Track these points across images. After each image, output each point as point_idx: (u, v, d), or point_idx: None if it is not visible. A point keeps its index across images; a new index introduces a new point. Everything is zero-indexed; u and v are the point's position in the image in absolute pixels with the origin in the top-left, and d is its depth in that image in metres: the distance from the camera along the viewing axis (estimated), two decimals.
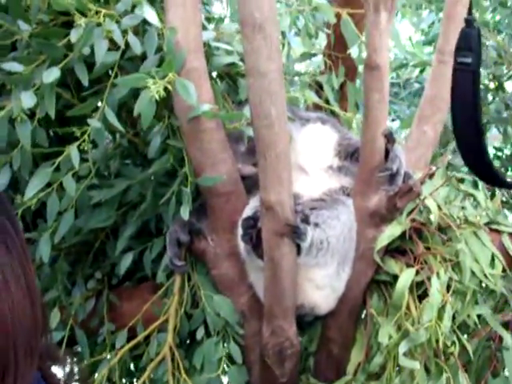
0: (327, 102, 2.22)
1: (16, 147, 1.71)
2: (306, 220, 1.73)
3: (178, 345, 1.93)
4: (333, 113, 2.21)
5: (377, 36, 1.76)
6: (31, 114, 1.74)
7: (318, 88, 2.25)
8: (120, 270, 1.95)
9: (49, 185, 1.74)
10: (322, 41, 2.23)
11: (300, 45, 2.21)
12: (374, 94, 1.80)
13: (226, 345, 1.92)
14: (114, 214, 1.93)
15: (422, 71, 2.82)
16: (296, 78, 2.33)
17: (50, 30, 1.67)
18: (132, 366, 1.99)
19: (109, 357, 1.88)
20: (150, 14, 1.66)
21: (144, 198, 1.94)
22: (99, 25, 1.58)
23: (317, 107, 2.24)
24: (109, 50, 1.71)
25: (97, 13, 1.58)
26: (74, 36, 1.57)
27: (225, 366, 1.92)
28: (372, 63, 1.78)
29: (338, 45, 2.21)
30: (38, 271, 1.89)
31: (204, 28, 2.00)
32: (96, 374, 1.87)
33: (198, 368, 1.90)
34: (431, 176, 2.08)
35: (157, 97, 1.54)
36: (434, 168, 1.94)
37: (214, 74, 2.12)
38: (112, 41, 1.70)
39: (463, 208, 2.02)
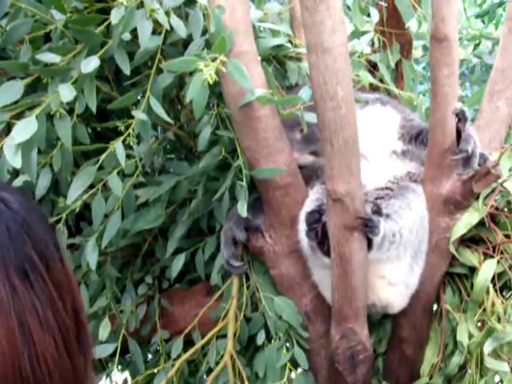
0: (381, 82, 1.98)
1: (55, 146, 1.50)
2: (378, 211, 1.50)
3: (239, 352, 1.71)
4: (389, 93, 1.97)
5: (443, 4, 1.53)
6: (70, 110, 1.54)
7: (371, 68, 2.01)
8: (172, 273, 1.73)
9: (92, 185, 1.54)
10: (372, 18, 1.98)
11: (350, 22, 1.96)
12: (442, 69, 1.56)
13: (289, 350, 1.70)
14: (163, 213, 1.71)
15: (477, 46, 2.55)
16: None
17: (86, 17, 1.45)
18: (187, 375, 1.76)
19: (164, 367, 1.66)
20: None
21: (194, 194, 1.72)
22: (141, 4, 1.35)
23: (372, 89, 2.01)
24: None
25: None
26: (115, 17, 1.34)
27: (290, 372, 1.70)
28: (440, 34, 1.54)
29: (390, 20, 1.97)
30: (85, 278, 1.68)
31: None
32: None
33: (261, 376, 1.68)
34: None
35: (210, 80, 1.31)
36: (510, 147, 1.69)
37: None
38: (154, 24, 1.49)
39: None
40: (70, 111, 1.52)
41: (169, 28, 1.43)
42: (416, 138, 1.75)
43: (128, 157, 1.60)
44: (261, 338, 1.71)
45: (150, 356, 1.85)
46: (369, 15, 1.96)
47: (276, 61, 1.88)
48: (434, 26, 1.56)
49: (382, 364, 1.80)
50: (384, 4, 1.92)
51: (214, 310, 1.74)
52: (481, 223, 1.66)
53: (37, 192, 1.48)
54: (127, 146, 1.47)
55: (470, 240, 1.70)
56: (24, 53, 1.48)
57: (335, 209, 1.48)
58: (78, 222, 1.70)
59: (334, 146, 1.43)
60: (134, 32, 1.49)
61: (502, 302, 1.57)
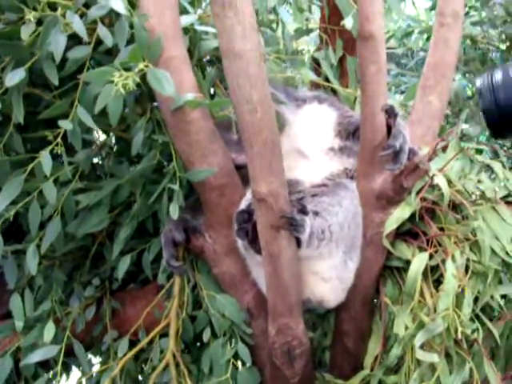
0: (327, 79, 2.01)
1: None
2: (303, 210, 1.54)
3: (184, 349, 1.76)
4: (334, 91, 2.00)
5: (367, 2, 1.56)
6: (6, 119, 1.59)
7: (317, 66, 2.04)
8: (118, 274, 1.78)
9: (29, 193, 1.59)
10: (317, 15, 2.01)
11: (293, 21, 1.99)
12: (370, 66, 1.59)
13: (233, 346, 1.74)
14: (107, 216, 1.76)
15: (428, 38, 2.56)
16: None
17: (11, 29, 1.49)
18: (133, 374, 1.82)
19: (110, 366, 1.72)
20: (115, 1, 1.47)
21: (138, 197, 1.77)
22: (55, 18, 1.39)
23: (317, 86, 2.04)
24: (80, 44, 1.55)
25: (51, 5, 1.40)
26: (24, 33, 1.39)
27: (236, 368, 1.74)
28: (365, 32, 1.57)
29: (333, 17, 1.99)
30: (31, 283, 1.74)
31: (186, 12, 1.82)
32: None
33: (207, 372, 1.73)
34: (444, 149, 1.87)
35: (122, 90, 1.35)
36: (442, 141, 1.71)
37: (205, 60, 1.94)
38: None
39: (479, 181, 1.79)
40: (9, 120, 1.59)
41: (83, 37, 1.46)
42: (354, 134, 1.78)
43: (68, 163, 1.65)
44: (206, 336, 1.76)
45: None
46: (310, 12, 1.98)
47: (219, 62, 1.92)
48: (359, 25, 1.58)
49: (329, 357, 1.84)
50: (322, 3, 1.94)
51: (162, 309, 1.79)
52: (419, 217, 1.69)
53: None
54: (57, 155, 1.52)
55: (409, 234, 1.74)
56: None
57: (260, 208, 1.51)
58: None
59: (253, 148, 1.46)
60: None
61: (432, 295, 1.59)
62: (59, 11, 1.41)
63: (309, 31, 2.03)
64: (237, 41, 1.38)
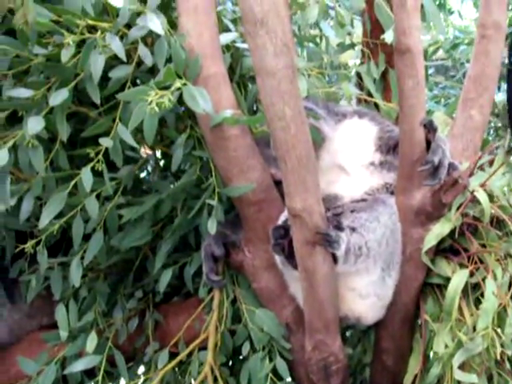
0: (370, 94, 2.00)
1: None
2: (338, 226, 1.53)
3: (223, 363, 1.78)
4: (377, 105, 1.99)
5: (404, 16, 1.55)
6: (53, 138, 1.66)
7: (360, 80, 2.04)
8: (160, 287, 1.82)
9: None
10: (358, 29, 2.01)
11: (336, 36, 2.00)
12: (407, 81, 1.58)
13: (272, 360, 1.75)
14: (149, 231, 1.80)
15: None
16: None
17: (58, 51, 1.55)
18: None
19: (149, 377, 1.76)
20: (153, 22, 1.51)
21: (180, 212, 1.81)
22: (94, 41, 1.44)
23: (362, 101, 2.03)
24: (122, 63, 1.60)
25: (91, 28, 1.45)
26: (64, 56, 1.45)
27: (274, 383, 1.74)
28: (402, 47, 1.56)
29: (375, 31, 1.99)
30: (75, 295, 1.80)
31: (228, 30, 1.85)
32: None
33: None
34: (491, 164, 1.83)
35: (156, 109, 1.39)
36: (483, 155, 1.68)
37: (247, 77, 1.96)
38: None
39: None
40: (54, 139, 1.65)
41: (121, 58, 1.50)
42: (394, 148, 1.76)
43: (111, 179, 1.71)
44: (245, 350, 1.77)
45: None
46: (352, 26, 1.98)
47: None
48: (395, 39, 1.57)
49: (369, 375, 1.83)
50: (364, 18, 1.94)
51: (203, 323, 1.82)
52: (460, 233, 1.66)
53: (21, 216, 1.61)
54: (97, 172, 1.57)
55: (450, 251, 1.71)
56: (6, 87, 1.61)
57: (295, 224, 1.52)
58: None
59: (287, 165, 1.47)
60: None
61: (472, 314, 1.56)
62: (98, 33, 1.46)
63: (351, 46, 2.03)
64: (268, 59, 1.39)
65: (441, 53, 2.52)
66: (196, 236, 1.88)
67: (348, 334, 1.94)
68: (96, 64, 1.45)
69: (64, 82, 1.56)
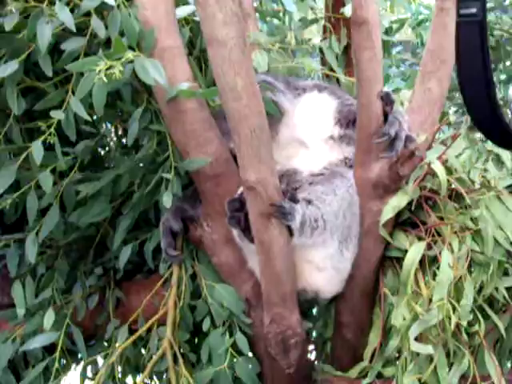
0: (331, 69, 1.98)
1: None
2: (293, 198, 1.51)
3: (185, 339, 1.76)
4: (338, 80, 1.97)
5: None
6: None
7: (323, 55, 2.01)
8: (120, 264, 1.79)
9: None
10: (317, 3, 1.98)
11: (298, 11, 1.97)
12: (364, 53, 1.56)
13: (232, 335, 1.73)
14: (108, 207, 1.78)
15: None
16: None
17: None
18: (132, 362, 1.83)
19: (108, 353, 1.74)
20: None
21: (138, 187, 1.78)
22: (40, 10, 1.41)
23: (327, 76, 2.01)
24: (76, 35, 1.57)
25: None
26: (8, 24, 1.41)
27: (234, 357, 1.73)
28: (358, 18, 1.54)
29: (337, 5, 1.96)
30: (33, 272, 1.77)
31: (186, 3, 1.82)
32: None
33: (205, 361, 1.73)
34: (454, 138, 1.81)
35: (105, 79, 1.36)
36: (439, 128, 1.66)
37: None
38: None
39: (485, 170, 1.74)
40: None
41: (71, 29, 1.47)
42: (354, 122, 1.74)
43: (66, 154, 1.68)
44: (206, 325, 1.75)
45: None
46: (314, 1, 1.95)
47: None
48: (352, 11, 1.55)
49: (329, 349, 1.82)
50: None
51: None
52: (418, 206, 1.65)
53: None
54: (49, 145, 1.54)
55: (409, 224, 1.69)
56: None
57: (250, 197, 1.50)
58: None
59: (240, 136, 1.45)
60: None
61: (428, 287, 1.55)
62: (46, 2, 1.43)
63: (314, 21, 2.00)
64: (218, 28, 1.37)
65: (409, 31, 2.51)
66: (156, 212, 1.86)
67: (310, 309, 1.92)
68: (43, 35, 1.41)
69: (14, 54, 1.53)
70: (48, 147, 1.57)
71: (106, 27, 1.57)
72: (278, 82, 1.76)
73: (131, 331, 1.78)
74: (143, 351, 1.85)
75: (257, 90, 1.43)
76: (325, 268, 1.62)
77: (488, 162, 1.78)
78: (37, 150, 1.49)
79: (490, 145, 1.85)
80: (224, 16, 1.36)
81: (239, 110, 1.42)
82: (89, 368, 1.87)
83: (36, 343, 1.69)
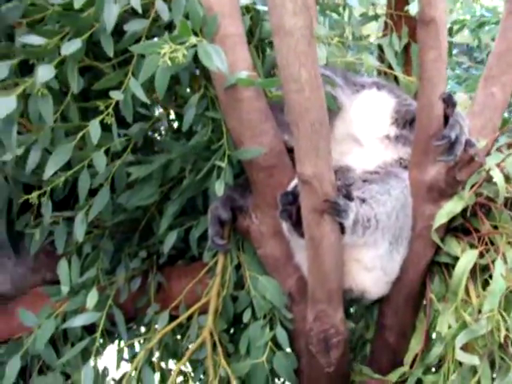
0: (391, 67, 1.93)
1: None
2: (348, 195, 1.48)
3: (223, 329, 1.74)
4: (397, 79, 1.92)
5: None
6: (66, 90, 1.61)
7: (381, 52, 1.97)
8: (164, 249, 1.78)
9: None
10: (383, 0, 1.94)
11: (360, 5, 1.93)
12: (429, 52, 1.52)
13: (273, 329, 1.71)
14: (157, 191, 1.76)
15: None
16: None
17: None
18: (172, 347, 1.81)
19: (147, 337, 1.73)
20: None
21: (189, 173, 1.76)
22: None
23: (383, 73, 1.97)
24: (139, 17, 1.56)
25: None
26: (77, 3, 1.40)
27: (273, 352, 1.70)
28: (426, 17, 1.50)
29: (399, 3, 1.91)
30: (79, 251, 1.77)
31: None
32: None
33: (244, 353, 1.71)
34: (510, 147, 1.76)
35: (169, 62, 1.34)
36: (502, 134, 1.61)
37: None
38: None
39: None
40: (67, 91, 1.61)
41: (137, 10, 1.45)
42: (411, 123, 1.71)
43: (120, 135, 1.67)
44: (246, 317, 1.73)
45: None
46: None
47: None
48: (420, 9, 1.51)
49: (369, 351, 1.78)
50: None
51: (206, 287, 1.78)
52: (472, 213, 1.61)
53: (27, 167, 1.57)
54: (107, 125, 1.52)
55: (461, 230, 1.65)
56: (20, 35, 1.56)
57: (304, 191, 1.47)
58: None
59: (300, 129, 1.42)
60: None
61: (478, 296, 1.50)
62: None
63: (375, 17, 1.96)
64: (287, 18, 1.33)
65: (466, 33, 2.44)
66: (204, 199, 1.84)
67: (351, 309, 1.89)
68: (110, 14, 1.40)
69: (78, 33, 1.52)
70: (103, 128, 1.56)
71: (170, 10, 1.56)
72: (337, 77, 1.73)
73: (171, 317, 1.77)
74: (179, 337, 1.84)
75: (320, 83, 1.40)
76: (373, 268, 1.58)
77: None
78: (94, 129, 1.48)
79: None
80: (294, 5, 1.33)
81: (301, 102, 1.39)
82: (125, 350, 1.87)
83: (78, 322, 1.69)
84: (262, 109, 1.63)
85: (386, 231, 1.56)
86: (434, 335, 1.64)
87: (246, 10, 1.78)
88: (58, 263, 1.75)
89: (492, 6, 2.42)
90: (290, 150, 1.69)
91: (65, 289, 1.72)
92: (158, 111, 1.86)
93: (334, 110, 1.63)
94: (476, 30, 2.30)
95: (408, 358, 1.66)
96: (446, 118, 1.56)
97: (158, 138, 1.96)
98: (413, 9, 1.74)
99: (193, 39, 1.43)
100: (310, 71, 1.38)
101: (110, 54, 1.53)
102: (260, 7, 1.79)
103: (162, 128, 1.92)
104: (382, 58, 1.97)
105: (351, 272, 1.59)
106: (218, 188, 1.59)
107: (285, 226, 1.60)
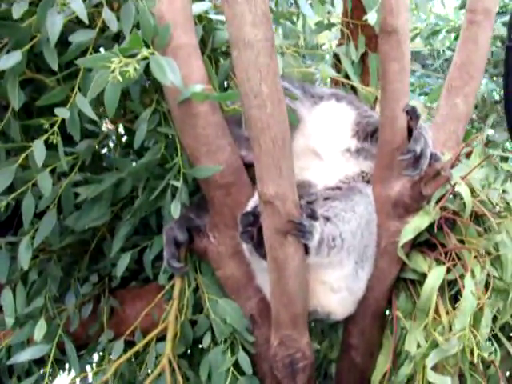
0: (348, 76, 1.86)
1: None
2: (312, 215, 1.39)
3: (182, 354, 1.63)
4: (354, 89, 1.85)
5: None
6: (6, 106, 1.48)
7: (337, 62, 1.90)
8: (117, 272, 1.66)
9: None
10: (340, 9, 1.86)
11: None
12: (392, 64, 1.45)
13: (234, 354, 1.61)
14: (107, 211, 1.64)
15: (456, 38, 2.38)
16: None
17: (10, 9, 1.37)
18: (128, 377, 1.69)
19: (103, 368, 1.60)
20: None
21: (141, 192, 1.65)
22: None
23: (337, 83, 1.90)
24: (85, 27, 1.43)
25: None
26: (16, 12, 1.27)
27: (235, 377, 1.60)
28: (388, 27, 1.43)
29: (356, 11, 1.84)
30: (24, 278, 1.63)
31: None
32: None
33: (205, 380, 1.60)
34: (468, 156, 1.71)
35: (120, 78, 1.22)
36: (466, 146, 1.56)
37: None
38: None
39: (504, 192, 1.64)
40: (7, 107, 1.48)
41: (83, 20, 1.33)
42: (372, 135, 1.63)
43: (67, 154, 1.54)
44: (206, 341, 1.63)
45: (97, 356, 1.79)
46: (333, 5, 1.83)
47: None
48: (382, 18, 1.44)
49: (335, 371, 1.71)
50: None
51: (162, 311, 1.67)
52: (437, 228, 1.55)
53: None
54: (52, 144, 1.39)
55: (427, 245, 1.59)
56: None
57: (267, 211, 1.37)
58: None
59: (261, 146, 1.32)
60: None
61: (448, 313, 1.44)
62: None
63: (330, 25, 1.88)
64: (247, 29, 1.24)
65: (418, 41, 2.40)
66: (158, 218, 1.73)
67: (314, 327, 1.81)
68: (53, 24, 1.27)
69: (18, 44, 1.38)
70: (48, 146, 1.44)
71: (118, 20, 1.44)
72: (295, 88, 1.64)
73: (126, 343, 1.65)
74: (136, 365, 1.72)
75: (282, 97, 1.31)
76: (339, 289, 1.50)
77: (506, 183, 1.69)
78: (38, 149, 1.35)
79: (507, 164, 1.76)
80: (253, 16, 1.23)
81: (262, 118, 1.30)
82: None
83: (25, 356, 1.55)
84: (218, 123, 1.53)
85: (352, 250, 1.48)
86: (401, 354, 1.58)
87: (199, 19, 1.67)
88: (2, 293, 1.60)
89: (444, 15, 2.38)
90: (247, 166, 1.61)
91: (9, 321, 1.58)
92: (106, 125, 1.73)
93: (294, 124, 1.55)
94: (430, 37, 2.27)
95: (376, 378, 1.59)
96: (410, 131, 1.49)
97: (107, 154, 1.82)
98: (371, 18, 1.67)
99: (144, 51, 1.32)
100: (272, 85, 1.28)
101: (55, 67, 1.40)
102: (213, 16, 1.69)
103: (111, 144, 1.79)
104: (338, 67, 1.89)
105: (316, 294, 1.50)
106: (174, 209, 1.48)
107: (246, 248, 1.51)
